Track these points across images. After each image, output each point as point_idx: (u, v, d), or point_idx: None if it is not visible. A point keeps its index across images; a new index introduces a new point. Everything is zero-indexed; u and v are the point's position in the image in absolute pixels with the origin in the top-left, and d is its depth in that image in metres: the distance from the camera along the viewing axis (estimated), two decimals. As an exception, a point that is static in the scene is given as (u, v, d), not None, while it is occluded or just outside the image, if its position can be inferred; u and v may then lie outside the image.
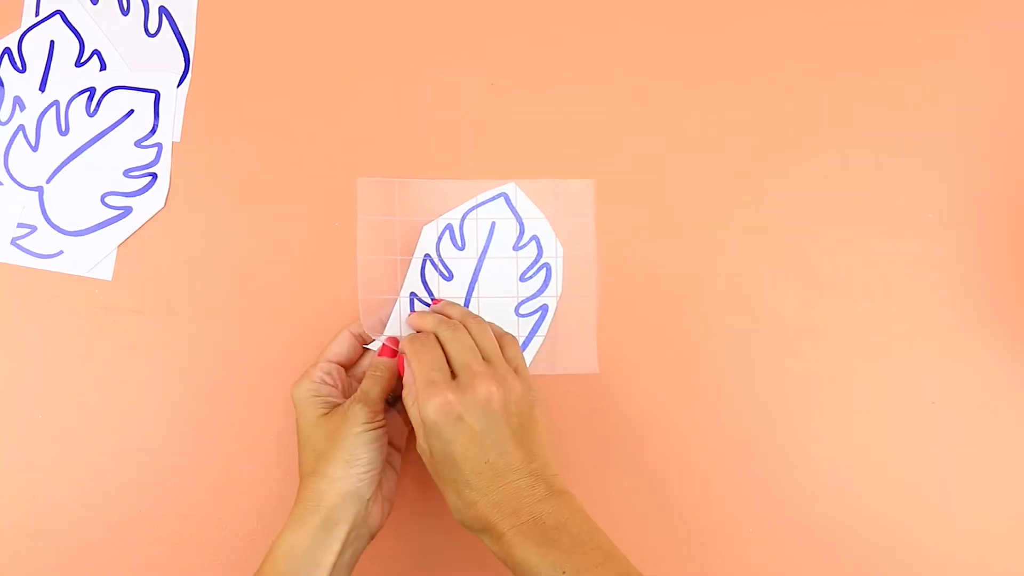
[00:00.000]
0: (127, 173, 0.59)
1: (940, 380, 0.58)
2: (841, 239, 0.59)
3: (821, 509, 0.57)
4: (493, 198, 0.57)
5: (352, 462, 0.47)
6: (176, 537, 0.56)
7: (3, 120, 0.59)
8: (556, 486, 0.46)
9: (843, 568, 0.57)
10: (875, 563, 0.56)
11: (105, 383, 0.57)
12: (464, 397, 0.46)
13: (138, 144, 0.59)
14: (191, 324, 0.57)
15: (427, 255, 0.57)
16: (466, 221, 0.57)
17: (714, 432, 0.57)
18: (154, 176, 0.59)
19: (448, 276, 0.57)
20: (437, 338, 0.50)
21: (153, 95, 0.59)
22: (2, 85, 0.59)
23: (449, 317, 0.53)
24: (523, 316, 0.57)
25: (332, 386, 0.52)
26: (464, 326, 0.51)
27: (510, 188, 0.57)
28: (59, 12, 0.60)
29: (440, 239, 0.57)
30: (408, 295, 0.56)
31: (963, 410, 0.57)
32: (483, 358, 0.49)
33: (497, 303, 0.57)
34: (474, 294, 0.57)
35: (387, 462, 0.51)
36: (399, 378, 0.52)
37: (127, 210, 0.58)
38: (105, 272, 0.58)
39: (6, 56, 0.59)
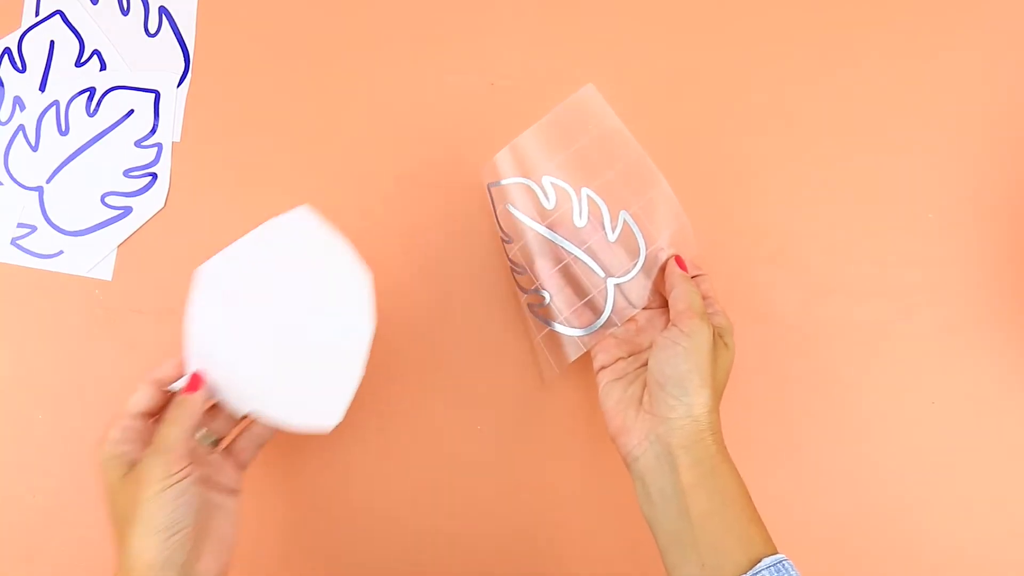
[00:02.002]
0: (127, 173, 0.59)
1: (940, 380, 0.58)
2: (841, 239, 0.59)
3: (821, 509, 0.57)
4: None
5: (154, 529, 0.42)
6: (176, 537, 0.56)
7: (3, 120, 0.59)
8: None
9: (843, 568, 0.56)
10: (875, 563, 0.56)
11: (105, 383, 0.57)
12: None
13: (138, 144, 0.59)
14: (191, 324, 0.57)
15: None
16: None
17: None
18: (154, 176, 0.59)
19: None
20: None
21: (153, 95, 0.59)
22: (2, 85, 0.59)
23: None
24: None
25: (133, 441, 0.46)
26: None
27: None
28: (59, 12, 0.60)
29: None
30: None
31: (963, 410, 0.57)
32: None
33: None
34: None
35: (214, 507, 0.46)
36: (207, 416, 0.49)
37: (127, 210, 0.58)
38: (105, 272, 0.58)
39: (6, 56, 0.59)
